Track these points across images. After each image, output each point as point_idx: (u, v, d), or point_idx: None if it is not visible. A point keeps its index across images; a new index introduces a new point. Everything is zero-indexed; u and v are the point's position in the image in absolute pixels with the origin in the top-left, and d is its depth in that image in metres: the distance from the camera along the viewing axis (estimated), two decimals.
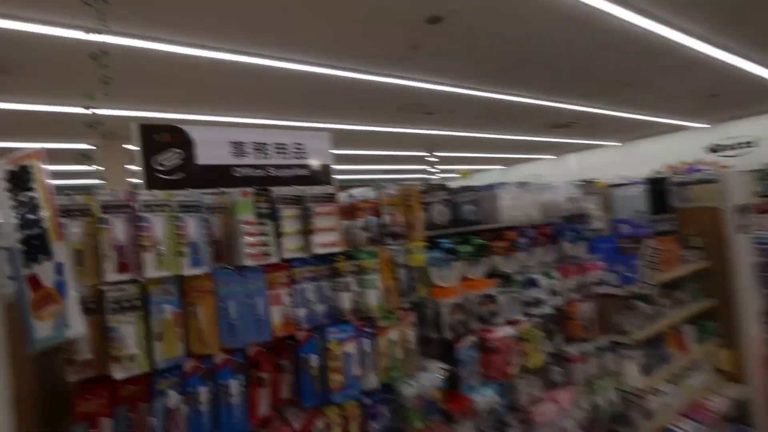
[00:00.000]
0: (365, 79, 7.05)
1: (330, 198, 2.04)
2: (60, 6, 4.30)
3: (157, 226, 1.57)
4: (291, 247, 1.89)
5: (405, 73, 7.23)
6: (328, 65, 6.40)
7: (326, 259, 2.00)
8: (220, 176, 2.25)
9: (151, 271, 1.52)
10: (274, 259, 1.83)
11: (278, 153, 2.47)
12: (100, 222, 1.48)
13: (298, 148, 2.53)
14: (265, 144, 2.42)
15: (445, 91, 7.99)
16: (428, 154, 13.72)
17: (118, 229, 1.51)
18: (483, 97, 8.53)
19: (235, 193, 1.80)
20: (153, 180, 2.06)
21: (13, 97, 6.47)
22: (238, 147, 2.34)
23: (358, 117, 9.46)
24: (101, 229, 1.48)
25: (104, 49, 3.77)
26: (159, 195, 1.61)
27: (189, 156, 2.17)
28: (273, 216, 1.88)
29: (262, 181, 2.37)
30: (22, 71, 5.82)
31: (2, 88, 6.20)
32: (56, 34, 4.73)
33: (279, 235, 1.87)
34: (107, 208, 1.51)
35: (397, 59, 6.54)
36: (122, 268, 1.49)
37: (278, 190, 1.91)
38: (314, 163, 2.57)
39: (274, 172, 2.42)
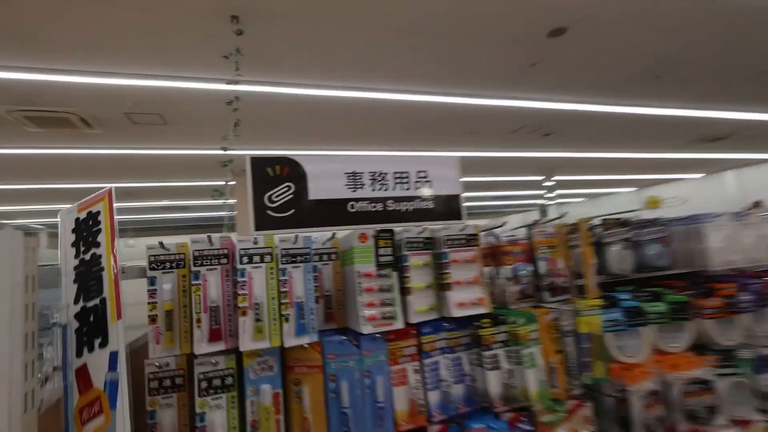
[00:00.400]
0: (476, 104, 6.50)
1: (470, 240, 1.49)
2: (205, 64, 4.69)
3: (257, 281, 1.19)
4: (420, 307, 1.38)
5: (520, 93, 6.49)
6: (438, 92, 6.01)
7: (466, 323, 1.43)
8: (334, 212, 1.88)
9: (248, 342, 1.12)
10: (398, 324, 1.33)
11: (398, 183, 2.02)
12: (194, 278, 1.14)
13: (422, 177, 2.07)
14: (384, 174, 2.00)
15: (565, 110, 7.00)
16: (544, 178, 12.41)
17: (213, 285, 1.15)
18: (612, 112, 7.29)
19: (350, 237, 1.36)
20: (262, 219, 1.76)
21: (171, 144, 7.31)
22: (354, 178, 1.95)
23: (469, 143, 8.87)
24: (194, 286, 1.14)
25: (237, 95, 3.99)
26: (261, 241, 1.24)
27: (301, 190, 1.84)
28: (398, 265, 1.39)
29: (380, 217, 1.95)
30: (177, 121, 6.49)
31: (164, 137, 7.03)
32: (200, 87, 5.17)
33: (405, 291, 1.37)
34: (201, 258, 1.16)
35: (512, 79, 5.87)
36: (214, 336, 1.12)
37: (405, 233, 1.42)
38: (441, 194, 2.07)
39: (393, 206, 1.97)
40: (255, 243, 1.22)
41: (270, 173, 1.83)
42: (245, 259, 1.19)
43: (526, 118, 7.48)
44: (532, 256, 1.63)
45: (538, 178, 12.72)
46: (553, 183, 12.43)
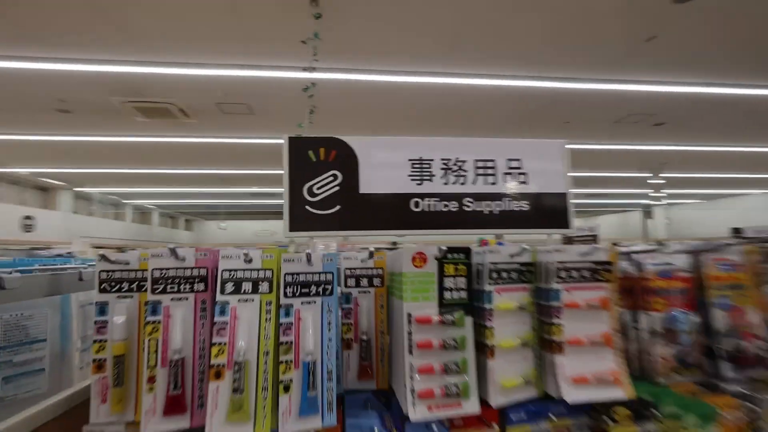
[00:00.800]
0: (577, 89, 5.46)
1: (599, 272, 0.88)
2: (285, 53, 4.52)
3: (245, 322, 0.73)
4: (509, 380, 0.81)
5: (630, 75, 5.31)
6: (532, 76, 5.13)
7: (586, 411, 0.84)
8: (392, 211, 1.38)
9: (218, 426, 0.67)
10: (471, 407, 0.78)
11: (481, 175, 1.45)
12: (151, 311, 0.71)
13: (514, 168, 1.46)
14: (461, 162, 1.44)
15: (686, 93, 5.61)
16: (651, 175, 10.56)
17: (178, 324, 0.72)
18: (746, 95, 5.71)
19: (401, 255, 0.83)
20: (299, 216, 1.32)
21: (258, 133, 7.38)
22: (420, 167, 1.42)
23: (562, 135, 7.72)
24: (149, 325, 0.71)
25: (313, 82, 3.76)
26: (257, 259, 0.77)
27: (351, 181, 1.36)
28: (474, 306, 0.84)
29: (453, 220, 1.41)
30: (262, 111, 6.47)
31: (251, 126, 7.10)
32: (282, 76, 5.04)
33: (485, 350, 0.82)
34: (163, 282, 0.73)
35: (623, 57, 4.78)
36: (172, 406, 0.69)
37: (489, 254, 0.85)
38: (541, 191, 1.45)
39: (472, 206, 1.41)
40: (248, 261, 0.75)
41: (312, 157, 1.39)
42: (229, 287, 0.74)
43: (635, 105, 6.21)
44: (701, 299, 0.96)
45: (641, 175, 10.88)
46: (661, 181, 10.54)
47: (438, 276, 0.81)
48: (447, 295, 0.81)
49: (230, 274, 0.74)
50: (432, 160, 1.42)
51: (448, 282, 0.81)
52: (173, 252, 0.71)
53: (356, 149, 1.39)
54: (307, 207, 1.33)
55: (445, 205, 1.41)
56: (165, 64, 4.80)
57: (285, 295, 0.74)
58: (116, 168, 9.06)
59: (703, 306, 0.98)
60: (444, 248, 0.82)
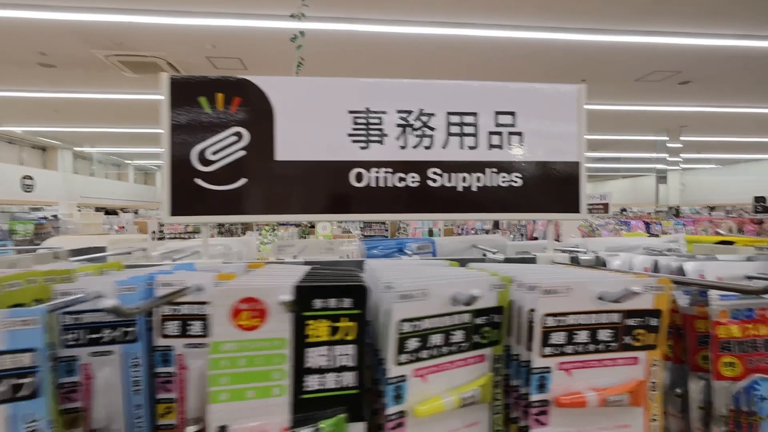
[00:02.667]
0: (596, 41, 4.68)
1: (634, 328, 0.41)
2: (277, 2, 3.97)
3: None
4: None
5: (656, 26, 4.49)
6: (546, 27, 4.37)
7: None
8: (324, 188, 0.91)
9: None
10: None
11: (455, 135, 0.96)
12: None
13: (503, 125, 0.97)
14: (427, 115, 0.95)
15: (718, 47, 4.78)
16: (668, 139, 9.65)
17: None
18: None
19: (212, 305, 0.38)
20: (185, 193, 0.87)
21: None
22: (366, 122, 0.94)
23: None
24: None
25: (302, 30, 3.26)
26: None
27: (263, 143, 0.90)
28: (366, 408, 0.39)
29: (415, 201, 0.93)
30: (256, 65, 5.88)
31: None
32: (273, 26, 4.48)
33: None
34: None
35: (649, 4, 3.99)
36: None
37: (402, 304, 0.39)
38: (543, 159, 0.96)
39: (441, 181, 0.94)
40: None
41: (206, 108, 0.92)
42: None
43: (660, 61, 5.38)
44: None
45: (658, 138, 9.95)
46: (678, 144, 9.63)
47: (294, 345, 0.37)
48: (311, 383, 0.37)
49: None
50: (384, 112, 0.94)
51: (316, 356, 0.37)
52: None
53: (271, 95, 0.91)
54: (198, 180, 0.88)
55: (401, 179, 0.94)
56: (146, 12, 4.24)
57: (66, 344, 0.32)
58: (113, 127, 8.66)
59: None
60: (308, 285, 0.37)
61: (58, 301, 0.42)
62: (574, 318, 0.41)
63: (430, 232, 7.22)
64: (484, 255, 1.00)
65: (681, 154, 9.69)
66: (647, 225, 4.06)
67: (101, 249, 1.04)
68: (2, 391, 0.33)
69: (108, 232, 7.04)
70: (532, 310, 0.40)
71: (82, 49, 4.86)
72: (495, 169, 0.96)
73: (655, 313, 0.43)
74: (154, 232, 5.73)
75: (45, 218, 6.68)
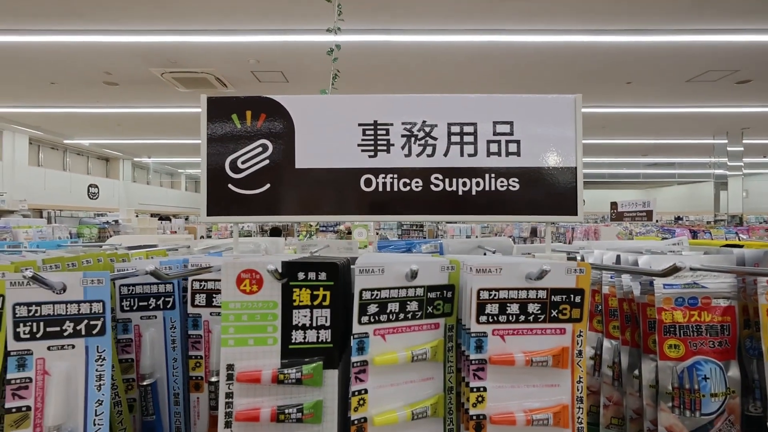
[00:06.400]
0: (645, 42, 4.51)
1: (559, 304, 0.51)
2: (314, 18, 4.21)
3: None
4: None
5: (712, 23, 4.26)
6: (589, 30, 4.28)
7: None
8: (337, 192, 1.05)
9: None
10: None
11: (456, 144, 1.06)
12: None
13: (501, 134, 1.05)
14: (430, 126, 1.06)
15: None
16: (727, 143, 8.98)
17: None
18: None
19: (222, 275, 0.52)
20: (219, 197, 1.04)
21: None
22: (374, 133, 1.06)
23: (621, 97, 6.67)
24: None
25: (338, 44, 3.44)
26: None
27: (284, 153, 1.05)
28: (342, 358, 0.51)
29: (419, 204, 1.04)
30: (297, 79, 6.22)
31: (287, 94, 6.95)
32: (311, 40, 4.76)
33: (355, 427, 0.49)
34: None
35: (694, 3, 3.82)
36: None
37: (364, 276, 0.51)
38: (539, 165, 1.03)
39: (443, 186, 1.04)
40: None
41: (237, 123, 1.09)
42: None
43: (714, 59, 5.09)
44: (748, 344, 0.56)
45: (715, 142, 9.28)
46: (739, 147, 8.93)
47: (283, 307, 0.49)
48: (296, 336, 0.49)
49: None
50: (390, 124, 1.06)
51: (300, 317, 0.49)
52: None
53: (291, 112, 1.06)
54: (230, 186, 1.04)
55: (406, 184, 1.05)
56: (196, 32, 4.67)
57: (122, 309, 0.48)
58: (168, 139, 9.42)
59: (751, 355, 0.57)
60: (293, 261, 0.49)
61: (117, 274, 0.57)
62: (505, 293, 0.50)
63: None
64: (485, 254, 1.08)
65: (743, 159, 8.97)
66: (694, 233, 3.85)
67: (153, 246, 1.23)
68: (82, 327, 0.47)
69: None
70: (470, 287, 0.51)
71: (141, 68, 5.41)
72: (493, 174, 1.05)
73: (579, 291, 0.51)
74: (202, 236, 6.19)
75: (107, 223, 7.39)
